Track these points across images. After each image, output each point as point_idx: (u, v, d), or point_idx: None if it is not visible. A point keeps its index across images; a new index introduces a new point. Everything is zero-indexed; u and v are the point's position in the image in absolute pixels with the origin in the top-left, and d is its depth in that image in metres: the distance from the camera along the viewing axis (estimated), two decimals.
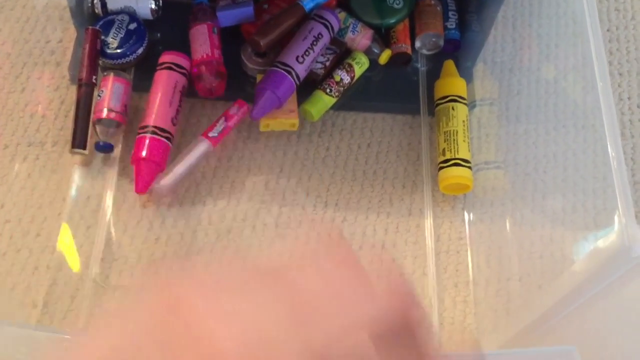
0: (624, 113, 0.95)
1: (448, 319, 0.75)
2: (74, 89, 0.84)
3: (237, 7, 0.83)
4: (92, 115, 0.78)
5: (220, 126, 0.78)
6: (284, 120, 0.80)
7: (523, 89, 0.90)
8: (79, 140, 0.76)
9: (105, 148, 0.77)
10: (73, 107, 0.78)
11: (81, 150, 0.76)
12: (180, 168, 0.76)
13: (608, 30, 1.00)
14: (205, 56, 0.80)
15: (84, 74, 0.78)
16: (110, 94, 0.77)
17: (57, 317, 0.71)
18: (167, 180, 0.75)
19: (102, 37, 0.80)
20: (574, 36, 0.97)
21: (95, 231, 0.75)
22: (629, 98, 0.95)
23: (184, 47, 0.86)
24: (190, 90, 0.82)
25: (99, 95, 0.78)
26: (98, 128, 0.77)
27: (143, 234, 0.76)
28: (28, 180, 0.77)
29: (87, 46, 0.79)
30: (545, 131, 0.88)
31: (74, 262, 0.74)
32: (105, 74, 0.79)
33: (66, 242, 0.75)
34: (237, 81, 0.84)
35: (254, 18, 0.84)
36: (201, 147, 0.77)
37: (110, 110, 0.77)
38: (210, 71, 0.80)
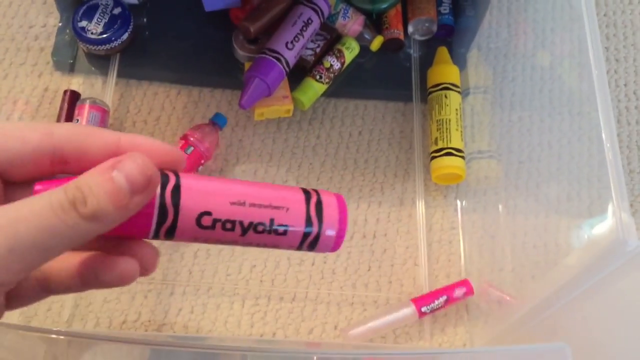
0: (620, 100, 0.93)
1: (440, 310, 0.74)
2: (58, 75, 0.82)
3: None
4: None
5: (437, 303, 0.72)
6: (279, 107, 0.78)
7: (518, 76, 0.89)
8: None
9: None
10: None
11: None
12: (376, 323, 0.71)
13: (605, 15, 0.99)
14: None
15: None
16: (86, 123, 0.74)
17: (42, 308, 0.70)
18: (358, 331, 0.70)
19: (86, 22, 0.78)
20: (570, 21, 0.95)
21: None
22: (625, 85, 0.94)
23: (170, 32, 0.84)
24: None
25: None
26: None
27: None
28: None
29: (65, 106, 0.77)
30: (540, 119, 0.87)
31: None
32: (80, 102, 0.76)
33: None
34: (228, 69, 0.83)
35: (241, 3, 0.81)
36: (406, 313, 0.71)
37: None
38: None
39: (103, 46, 0.79)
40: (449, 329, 0.73)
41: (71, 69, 0.82)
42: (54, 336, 0.55)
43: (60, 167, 0.29)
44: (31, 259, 0.24)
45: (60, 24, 0.83)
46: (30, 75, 0.81)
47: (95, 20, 0.78)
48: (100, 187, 0.25)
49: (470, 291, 0.72)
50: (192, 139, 0.74)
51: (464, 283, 0.73)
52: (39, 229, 0.24)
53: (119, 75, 0.81)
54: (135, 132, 0.75)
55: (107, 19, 0.79)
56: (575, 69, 0.89)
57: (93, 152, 0.28)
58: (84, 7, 0.79)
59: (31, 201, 0.25)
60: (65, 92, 0.78)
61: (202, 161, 0.75)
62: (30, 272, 0.26)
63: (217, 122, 0.77)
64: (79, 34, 0.78)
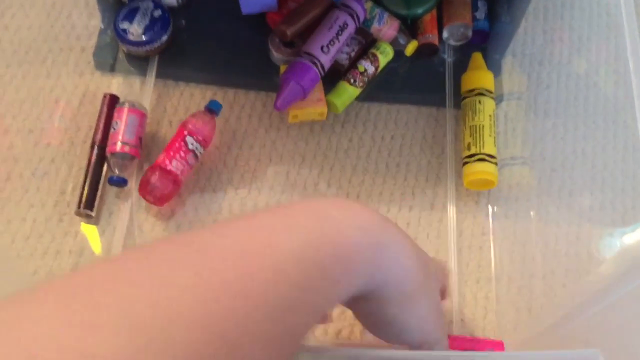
0: None
1: (469, 315, 0.74)
2: (98, 75, 0.84)
3: None
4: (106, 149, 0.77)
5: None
6: (313, 109, 0.79)
7: (552, 83, 0.89)
8: (87, 202, 0.75)
9: (119, 182, 0.75)
10: (84, 168, 0.77)
11: (88, 211, 0.75)
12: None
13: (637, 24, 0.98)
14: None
15: (98, 137, 0.77)
16: (124, 126, 0.76)
17: None
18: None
19: (127, 24, 0.80)
20: (607, 29, 0.94)
21: (117, 217, 0.76)
22: None
23: (207, 35, 0.85)
24: None
25: (113, 128, 0.76)
26: (112, 162, 0.75)
27: (164, 222, 0.76)
28: (52, 165, 0.78)
29: (104, 110, 0.79)
30: (574, 126, 0.86)
31: (96, 247, 0.74)
32: (119, 105, 0.78)
33: (88, 228, 0.75)
34: (263, 71, 0.84)
35: (277, 7, 0.83)
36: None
37: (124, 143, 0.75)
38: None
39: (143, 47, 0.81)
40: (477, 334, 0.73)
41: (111, 69, 0.84)
42: None
43: None
44: None
45: (101, 26, 0.85)
46: (72, 74, 0.84)
47: (136, 22, 0.80)
48: None
49: (500, 349, 0.69)
50: (190, 126, 0.76)
51: (498, 344, 0.70)
52: None
53: (158, 76, 0.83)
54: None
55: (148, 21, 0.81)
56: (611, 77, 0.88)
57: None
58: (126, 10, 0.81)
59: None
60: (104, 95, 0.80)
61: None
62: None
63: (212, 108, 0.79)
64: (120, 36, 0.80)
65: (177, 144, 0.75)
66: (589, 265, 0.71)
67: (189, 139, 0.76)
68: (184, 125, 0.76)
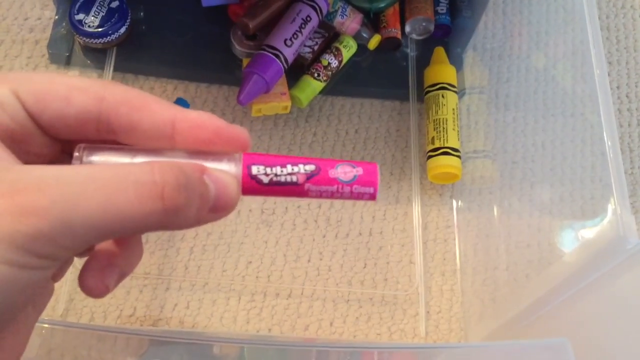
0: (613, 102, 0.94)
1: (435, 307, 0.74)
2: (53, 68, 0.81)
3: None
4: None
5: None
6: (277, 103, 0.78)
7: (512, 77, 0.90)
8: None
9: None
10: None
11: None
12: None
13: (598, 18, 1.00)
14: None
15: None
16: None
17: None
18: None
19: (83, 15, 0.77)
20: (565, 24, 0.96)
21: None
22: (617, 87, 0.95)
23: (167, 27, 0.83)
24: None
25: None
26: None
27: None
28: None
29: None
30: (534, 119, 0.87)
31: None
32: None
33: None
34: (225, 65, 0.82)
35: None
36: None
37: None
38: None
39: (100, 40, 0.78)
40: (443, 326, 0.74)
41: (67, 62, 0.81)
42: (46, 325, 0.54)
43: (107, 136, 0.26)
44: (87, 238, 0.22)
45: (56, 17, 0.82)
46: (25, 68, 0.81)
47: (92, 13, 0.78)
48: (195, 184, 0.23)
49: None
50: None
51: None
52: (106, 210, 0.21)
53: (115, 69, 0.81)
54: None
55: (105, 12, 0.78)
56: (569, 71, 0.89)
57: (143, 130, 0.25)
58: (81, 0, 0.78)
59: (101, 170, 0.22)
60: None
61: None
62: (83, 249, 0.23)
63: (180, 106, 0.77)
64: (76, 27, 0.77)
65: None
66: (550, 256, 0.72)
67: None
68: None
